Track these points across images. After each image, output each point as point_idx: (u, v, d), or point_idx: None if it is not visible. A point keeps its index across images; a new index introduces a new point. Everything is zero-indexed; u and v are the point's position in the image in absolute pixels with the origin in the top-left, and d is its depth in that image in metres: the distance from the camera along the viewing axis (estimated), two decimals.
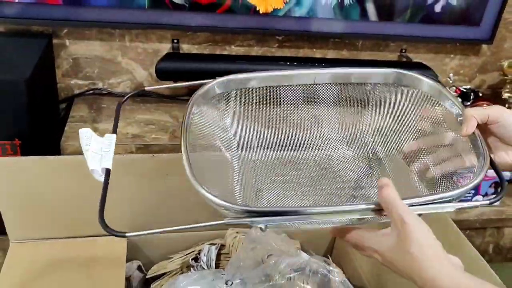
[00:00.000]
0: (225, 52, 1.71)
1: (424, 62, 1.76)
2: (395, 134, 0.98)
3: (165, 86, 1.03)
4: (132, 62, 1.68)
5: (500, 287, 0.67)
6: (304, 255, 1.07)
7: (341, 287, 1.01)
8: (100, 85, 1.70)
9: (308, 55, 1.77)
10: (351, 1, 1.63)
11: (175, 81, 1.64)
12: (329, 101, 0.98)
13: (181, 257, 1.19)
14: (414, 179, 0.93)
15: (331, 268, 1.05)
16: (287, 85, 0.96)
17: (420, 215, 0.74)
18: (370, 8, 1.66)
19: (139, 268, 1.21)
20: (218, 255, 1.16)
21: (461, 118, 0.86)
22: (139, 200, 1.14)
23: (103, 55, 1.65)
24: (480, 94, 1.79)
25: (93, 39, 1.62)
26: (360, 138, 1.01)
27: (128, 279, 1.17)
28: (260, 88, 0.95)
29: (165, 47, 1.67)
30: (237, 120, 0.96)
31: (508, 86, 1.81)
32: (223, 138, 0.94)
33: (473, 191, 1.57)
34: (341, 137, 1.00)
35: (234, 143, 0.96)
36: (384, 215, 0.71)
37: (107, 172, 0.76)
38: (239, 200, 0.88)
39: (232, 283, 0.96)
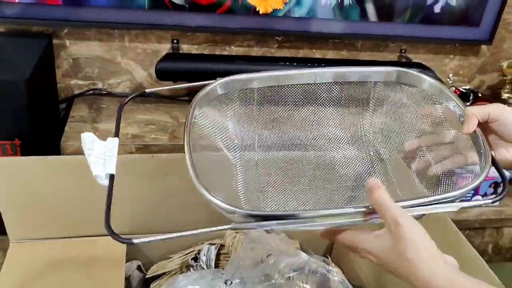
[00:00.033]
0: (225, 53, 1.72)
1: (423, 63, 1.76)
2: (396, 133, 0.98)
3: (166, 87, 1.02)
4: (132, 62, 1.68)
5: (496, 287, 0.66)
6: (303, 255, 1.08)
7: (340, 286, 1.02)
8: (100, 85, 1.70)
9: (307, 55, 1.77)
10: (350, 2, 1.63)
11: (175, 82, 1.64)
12: (330, 101, 0.98)
13: (180, 257, 1.19)
14: (415, 178, 0.93)
15: (330, 267, 1.05)
16: (289, 85, 0.96)
17: (422, 215, 0.74)
18: (370, 9, 1.66)
19: (138, 268, 1.21)
20: (218, 255, 1.16)
21: (462, 116, 0.86)
22: (139, 200, 1.14)
23: (103, 55, 1.65)
24: (480, 95, 1.79)
25: (93, 39, 1.62)
26: (362, 137, 1.01)
27: (127, 279, 1.17)
28: (261, 88, 0.95)
29: (165, 48, 1.67)
30: (239, 120, 0.96)
31: (507, 87, 1.82)
32: (225, 139, 0.94)
33: (472, 191, 1.57)
34: (342, 136, 1.00)
35: (237, 143, 0.96)
36: (378, 217, 0.71)
37: (111, 177, 0.76)
38: (243, 202, 0.88)
39: (232, 282, 0.97)
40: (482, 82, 1.96)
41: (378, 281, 1.18)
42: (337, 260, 1.28)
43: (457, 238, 1.02)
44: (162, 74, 1.57)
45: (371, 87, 0.99)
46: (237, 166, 0.94)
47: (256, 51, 1.73)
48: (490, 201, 0.77)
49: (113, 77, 1.70)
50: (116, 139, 0.81)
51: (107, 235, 1.14)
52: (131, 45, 1.65)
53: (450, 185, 0.87)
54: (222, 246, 1.18)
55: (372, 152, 1.01)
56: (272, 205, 0.90)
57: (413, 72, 0.96)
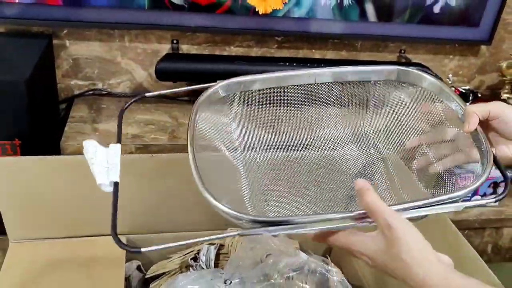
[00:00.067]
0: (225, 53, 1.72)
1: (423, 63, 1.76)
2: (397, 132, 0.98)
3: (167, 91, 1.02)
4: (132, 62, 1.68)
5: (493, 287, 0.66)
6: (303, 255, 1.08)
7: (340, 286, 1.02)
8: (100, 85, 1.70)
9: (307, 55, 1.77)
10: (350, 2, 1.63)
11: (175, 82, 1.65)
12: (332, 101, 0.98)
13: (180, 257, 1.19)
14: (416, 177, 0.94)
15: (329, 267, 1.05)
16: (290, 86, 0.96)
17: (425, 216, 0.74)
18: (369, 9, 1.66)
19: (138, 268, 1.21)
20: (217, 255, 1.17)
21: (463, 114, 0.87)
22: (139, 200, 1.14)
23: (103, 55, 1.66)
24: (479, 95, 1.79)
25: (93, 39, 1.63)
26: (363, 136, 1.01)
27: (127, 279, 1.17)
28: (263, 89, 0.95)
29: (165, 48, 1.67)
30: (241, 122, 0.96)
31: (507, 87, 1.82)
32: (227, 141, 0.94)
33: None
34: (344, 136, 1.00)
35: (239, 145, 0.96)
36: (372, 220, 0.70)
37: (116, 185, 0.75)
38: (248, 205, 0.88)
39: (231, 282, 0.97)
40: (481, 82, 1.96)
41: (377, 281, 1.18)
42: (336, 260, 1.28)
43: (456, 238, 1.02)
44: (162, 74, 1.57)
45: (371, 86, 0.99)
46: (240, 168, 0.94)
47: (255, 52, 1.73)
48: (493, 199, 0.77)
49: (113, 77, 1.70)
50: (119, 145, 0.81)
51: (107, 235, 1.14)
52: (131, 45, 1.66)
53: (450, 186, 0.88)
54: (221, 246, 1.18)
55: (373, 151, 1.01)
56: (276, 207, 0.90)
57: (413, 70, 0.96)
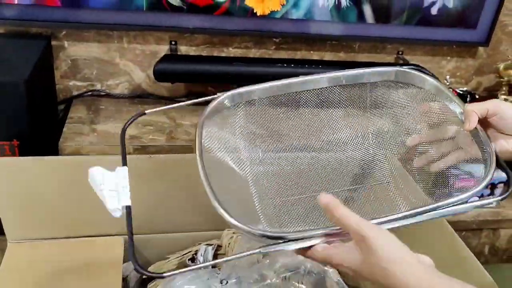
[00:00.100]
0: (223, 54, 1.72)
1: (421, 64, 1.77)
2: (397, 132, 0.99)
3: (168, 107, 1.02)
4: (130, 63, 1.69)
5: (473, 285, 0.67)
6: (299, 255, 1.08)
7: (336, 287, 1.02)
8: (98, 86, 1.71)
9: (305, 57, 1.78)
10: (348, 4, 1.64)
11: (173, 83, 1.65)
12: (333, 104, 0.99)
13: (177, 257, 1.19)
14: (416, 177, 0.95)
15: (326, 268, 1.05)
16: (293, 92, 0.96)
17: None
18: (367, 11, 1.66)
19: (135, 268, 1.21)
20: (215, 255, 1.17)
21: (462, 113, 0.88)
22: (136, 201, 1.14)
23: (101, 56, 1.66)
24: (477, 96, 1.80)
25: (92, 40, 1.63)
26: (364, 138, 1.02)
27: (125, 279, 1.17)
28: (266, 98, 0.96)
29: (163, 49, 1.68)
30: (245, 132, 0.97)
31: (504, 88, 1.82)
32: (234, 152, 0.94)
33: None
34: (348, 139, 1.01)
35: (245, 154, 0.96)
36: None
37: (128, 209, 0.75)
38: (262, 218, 0.89)
39: (227, 282, 0.97)
40: (479, 83, 1.96)
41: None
42: None
43: (452, 238, 1.03)
44: (160, 76, 1.58)
45: (371, 88, 0.99)
46: (248, 178, 0.94)
47: (254, 53, 1.74)
48: (500, 198, 0.78)
49: (112, 78, 1.71)
50: (125, 168, 0.80)
51: (105, 236, 1.15)
52: (130, 47, 1.66)
53: (448, 187, 0.89)
54: (219, 246, 1.18)
55: (376, 153, 1.01)
56: (290, 221, 0.91)
57: (411, 71, 0.97)
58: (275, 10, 1.60)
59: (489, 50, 1.89)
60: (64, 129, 1.52)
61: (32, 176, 1.08)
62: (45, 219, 1.13)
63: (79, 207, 1.12)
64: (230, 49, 1.72)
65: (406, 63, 1.78)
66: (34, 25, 1.56)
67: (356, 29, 1.71)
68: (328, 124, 1.00)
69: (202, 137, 0.87)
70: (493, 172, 0.79)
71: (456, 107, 0.90)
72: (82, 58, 1.65)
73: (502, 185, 1.54)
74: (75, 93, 1.70)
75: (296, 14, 1.63)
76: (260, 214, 0.90)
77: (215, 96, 0.93)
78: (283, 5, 1.60)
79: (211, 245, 1.19)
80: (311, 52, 1.78)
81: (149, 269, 1.21)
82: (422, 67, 1.71)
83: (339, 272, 1.08)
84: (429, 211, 0.75)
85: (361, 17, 1.67)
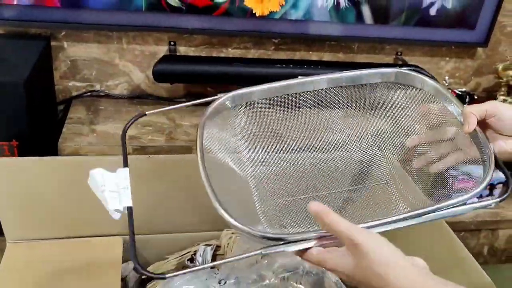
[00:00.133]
0: (222, 55, 1.72)
1: (419, 65, 1.77)
2: (397, 133, 0.99)
3: (168, 108, 1.03)
4: (130, 64, 1.69)
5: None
6: None
7: (334, 287, 1.02)
8: (97, 87, 1.71)
9: (304, 57, 1.78)
10: (347, 4, 1.64)
11: (172, 83, 1.65)
12: (333, 105, 0.99)
13: (176, 257, 1.19)
14: (415, 178, 0.95)
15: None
16: (292, 94, 0.97)
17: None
18: (366, 11, 1.67)
19: (135, 268, 1.21)
20: (214, 255, 1.17)
21: (460, 115, 0.89)
22: (135, 201, 1.14)
23: (101, 57, 1.66)
24: (476, 97, 1.80)
25: (91, 41, 1.63)
26: (364, 139, 1.02)
27: (124, 280, 1.17)
28: (267, 99, 0.96)
29: (162, 50, 1.68)
30: (247, 133, 0.97)
31: (503, 89, 1.83)
32: (235, 155, 0.95)
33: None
34: (347, 139, 1.01)
35: (245, 155, 0.96)
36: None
37: (130, 210, 0.75)
38: (262, 219, 0.89)
39: (225, 282, 0.97)
40: (478, 84, 1.97)
41: None
42: None
43: (450, 239, 1.03)
44: (159, 76, 1.58)
45: (371, 89, 1.00)
46: (249, 178, 0.95)
47: (253, 53, 1.74)
48: (498, 200, 0.79)
49: (111, 79, 1.71)
50: (127, 169, 0.80)
51: (104, 236, 1.15)
52: (129, 47, 1.66)
53: (447, 187, 0.89)
54: (218, 247, 1.18)
55: (376, 153, 1.02)
56: (287, 216, 0.91)
57: (411, 72, 0.97)
58: (274, 10, 1.61)
59: (488, 51, 1.89)
60: (64, 130, 1.52)
61: (31, 177, 1.08)
62: (44, 219, 1.13)
63: (78, 207, 1.12)
64: (229, 49, 1.72)
65: (405, 64, 1.78)
66: (34, 25, 1.56)
67: (355, 29, 1.71)
68: (328, 125, 1.00)
69: (203, 138, 0.87)
70: (492, 173, 0.79)
71: (455, 108, 0.90)
72: (82, 58, 1.66)
73: (501, 185, 1.53)
74: (74, 93, 1.70)
75: (295, 14, 1.63)
76: (260, 215, 0.90)
77: (216, 97, 0.93)
78: (282, 6, 1.60)
79: (210, 245, 1.19)
80: (310, 52, 1.78)
81: (148, 269, 1.20)
82: (422, 68, 1.71)
83: None
84: (428, 213, 0.75)
85: (359, 17, 1.67)
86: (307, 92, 0.97)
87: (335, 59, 1.80)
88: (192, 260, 1.17)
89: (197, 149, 0.84)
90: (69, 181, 1.09)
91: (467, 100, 1.77)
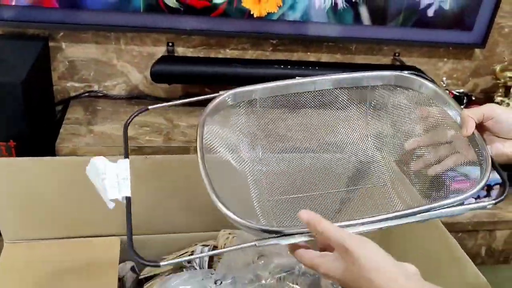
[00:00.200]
0: (220, 56, 1.73)
1: (417, 66, 1.77)
2: (396, 135, 1.00)
3: (171, 103, 1.03)
4: (128, 65, 1.69)
5: None
6: None
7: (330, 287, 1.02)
8: (95, 87, 1.71)
9: (302, 58, 1.78)
10: (344, 5, 1.64)
11: (170, 84, 1.66)
12: (333, 106, 1.00)
13: (174, 258, 1.19)
14: (412, 179, 0.96)
15: None
16: (293, 94, 0.97)
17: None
18: (364, 12, 1.67)
19: (132, 269, 1.21)
20: (211, 256, 1.17)
21: (459, 117, 0.89)
22: (133, 201, 1.14)
23: (99, 58, 1.67)
24: (473, 98, 1.80)
25: (89, 42, 1.64)
26: (363, 140, 1.02)
27: (121, 280, 1.17)
28: (267, 98, 0.97)
29: (160, 50, 1.68)
30: (245, 130, 0.98)
31: (500, 90, 1.83)
32: (234, 149, 0.95)
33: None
34: (344, 140, 1.02)
35: (245, 152, 0.97)
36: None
37: (128, 200, 0.76)
38: (260, 217, 0.90)
39: (221, 282, 0.97)
40: (475, 85, 1.97)
41: None
42: None
43: (446, 239, 1.03)
44: (157, 77, 1.58)
45: (370, 91, 1.00)
46: (247, 175, 0.95)
47: (250, 54, 1.74)
48: (494, 202, 0.80)
49: (109, 79, 1.71)
50: (127, 160, 0.81)
51: (101, 236, 1.16)
52: (127, 48, 1.66)
53: (444, 189, 0.89)
54: (215, 247, 1.19)
55: (375, 154, 1.02)
56: (285, 215, 0.92)
57: (410, 76, 0.98)
58: (272, 11, 1.61)
59: (486, 52, 1.89)
60: (61, 130, 1.52)
61: (29, 177, 1.09)
62: (42, 220, 1.13)
63: (76, 207, 1.12)
64: (227, 50, 1.72)
65: (403, 65, 1.79)
66: (32, 26, 1.57)
67: (353, 30, 1.71)
68: (327, 125, 1.01)
69: (203, 135, 0.87)
70: (489, 175, 0.80)
71: (453, 111, 0.91)
72: (80, 59, 1.66)
73: (498, 186, 1.55)
74: (72, 94, 1.71)
75: (293, 15, 1.63)
76: (258, 213, 0.91)
77: (218, 94, 0.94)
78: (279, 7, 1.61)
79: (207, 245, 1.19)
80: (308, 53, 1.78)
81: (145, 270, 1.21)
82: (422, 71, 1.72)
83: None
84: (422, 212, 0.76)
85: (357, 19, 1.68)
86: (307, 92, 0.98)
87: (333, 60, 1.80)
88: (189, 260, 1.17)
89: (197, 147, 0.84)
90: (67, 182, 1.10)
91: (464, 101, 1.77)
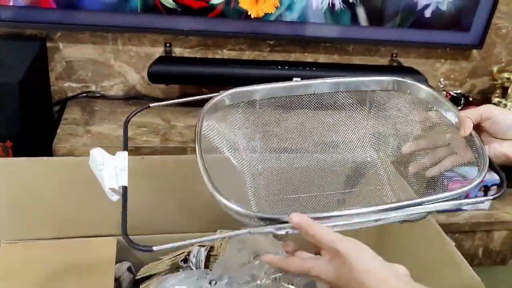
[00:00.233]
0: (217, 56, 1.73)
1: (414, 67, 1.78)
2: (394, 137, 1.00)
3: (172, 101, 1.03)
4: (125, 65, 1.69)
5: None
6: None
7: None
8: (93, 88, 1.72)
9: (299, 59, 1.79)
10: (342, 6, 1.64)
11: (167, 84, 1.66)
12: (330, 107, 1.00)
13: (170, 258, 1.19)
14: (409, 180, 0.96)
15: None
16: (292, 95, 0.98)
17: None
18: (361, 13, 1.67)
19: (129, 269, 1.21)
20: (207, 256, 1.17)
21: (457, 120, 0.90)
22: (129, 202, 1.14)
23: (96, 58, 1.67)
24: (471, 99, 1.81)
25: (87, 42, 1.64)
26: (360, 141, 1.03)
27: (118, 280, 1.17)
28: (266, 99, 0.97)
29: (158, 51, 1.68)
30: (245, 129, 0.98)
31: (497, 91, 1.83)
32: (232, 147, 0.95)
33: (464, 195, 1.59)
34: (341, 141, 1.02)
35: (243, 151, 0.97)
36: None
37: (124, 189, 0.77)
38: (254, 209, 0.90)
39: (216, 282, 0.97)
40: (473, 86, 1.97)
41: None
42: None
43: (441, 240, 1.03)
44: (154, 77, 1.59)
45: (369, 95, 1.01)
46: (245, 172, 0.95)
47: (248, 55, 1.74)
48: (492, 197, 0.81)
49: (106, 80, 1.71)
50: (125, 152, 0.82)
51: (98, 236, 1.16)
52: (124, 48, 1.67)
53: (441, 189, 0.90)
54: (211, 248, 1.19)
55: (372, 156, 1.02)
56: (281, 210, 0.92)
57: (408, 81, 0.99)
58: (269, 12, 1.61)
59: (483, 53, 1.90)
60: (58, 130, 1.52)
61: (26, 177, 1.09)
62: (38, 220, 1.13)
63: (72, 207, 1.12)
64: (225, 51, 1.73)
65: (401, 66, 1.79)
66: (29, 26, 1.57)
67: (350, 31, 1.71)
68: (325, 126, 1.01)
69: (202, 130, 0.88)
70: (485, 174, 0.80)
71: (451, 114, 0.92)
72: (77, 59, 1.66)
73: (495, 187, 1.55)
74: (70, 94, 1.71)
75: (290, 16, 1.64)
76: (255, 210, 0.90)
77: (217, 94, 0.94)
78: (277, 8, 1.61)
79: (203, 246, 1.19)
80: (305, 54, 1.78)
81: (141, 270, 1.21)
82: (419, 72, 1.72)
83: None
84: (418, 205, 0.76)
85: (354, 19, 1.68)
86: (307, 96, 0.98)
87: (330, 61, 1.80)
88: (185, 260, 1.17)
89: (195, 146, 0.85)
90: (63, 182, 1.10)
91: (462, 102, 1.77)
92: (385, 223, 0.79)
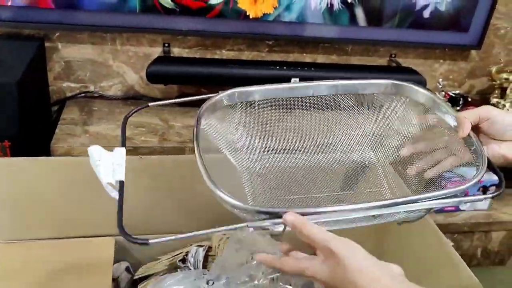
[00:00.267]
0: (216, 56, 1.73)
1: (413, 67, 1.78)
2: (393, 139, 1.00)
3: (172, 101, 1.03)
4: (124, 65, 1.69)
5: None
6: None
7: None
8: (91, 88, 1.71)
9: (298, 59, 1.79)
10: (340, 7, 1.64)
11: (166, 85, 1.66)
12: (329, 108, 1.00)
13: (168, 258, 1.19)
14: (408, 182, 0.96)
15: None
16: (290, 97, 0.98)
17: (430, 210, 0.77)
18: (359, 14, 1.67)
19: (127, 269, 1.21)
20: (206, 256, 1.17)
21: (455, 121, 0.90)
22: (127, 201, 1.14)
23: (95, 58, 1.67)
24: (469, 100, 1.81)
25: (85, 42, 1.64)
26: (358, 142, 1.03)
27: (116, 280, 1.17)
28: (264, 100, 0.97)
29: (156, 51, 1.68)
30: (241, 129, 0.98)
31: (496, 92, 1.83)
32: (230, 146, 0.95)
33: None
34: (340, 142, 1.02)
35: (241, 150, 0.97)
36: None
37: (121, 184, 0.78)
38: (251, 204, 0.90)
39: (213, 282, 0.97)
40: (471, 86, 1.97)
41: None
42: None
43: (438, 240, 1.03)
44: (153, 77, 1.58)
45: (367, 96, 1.01)
46: (243, 172, 0.96)
47: (246, 55, 1.74)
48: (491, 195, 0.82)
49: (105, 80, 1.71)
50: (123, 148, 0.82)
51: (96, 236, 1.16)
52: (123, 48, 1.67)
53: (440, 190, 0.90)
54: (209, 248, 1.19)
55: (370, 157, 1.03)
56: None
57: (406, 84, 0.99)
58: (268, 12, 1.61)
59: (482, 53, 1.90)
60: (57, 130, 1.52)
61: (24, 177, 1.09)
62: (37, 220, 1.13)
63: (70, 207, 1.12)
64: (223, 51, 1.73)
65: (399, 66, 1.79)
66: (28, 26, 1.57)
67: (349, 32, 1.71)
68: (323, 127, 1.01)
69: (200, 129, 0.88)
70: (483, 173, 0.81)
71: (449, 116, 0.92)
72: (76, 59, 1.66)
73: (494, 187, 1.55)
74: (68, 94, 1.71)
75: (289, 16, 1.64)
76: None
77: (215, 94, 0.94)
78: (275, 8, 1.61)
79: (202, 246, 1.19)
80: (304, 54, 1.78)
81: (139, 270, 1.21)
82: (417, 73, 1.72)
83: None
84: (415, 202, 0.76)
85: (353, 20, 1.68)
86: (305, 98, 0.98)
87: (329, 61, 1.80)
88: (184, 260, 1.17)
89: (193, 145, 0.85)
90: (62, 182, 1.10)
91: (460, 102, 1.77)
92: (381, 222, 0.79)
